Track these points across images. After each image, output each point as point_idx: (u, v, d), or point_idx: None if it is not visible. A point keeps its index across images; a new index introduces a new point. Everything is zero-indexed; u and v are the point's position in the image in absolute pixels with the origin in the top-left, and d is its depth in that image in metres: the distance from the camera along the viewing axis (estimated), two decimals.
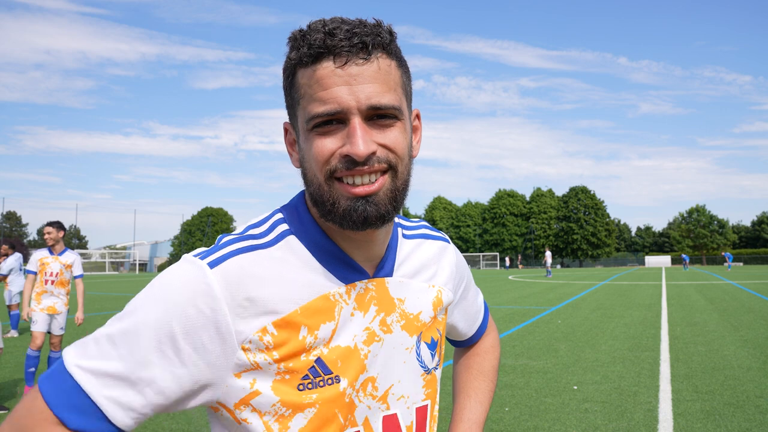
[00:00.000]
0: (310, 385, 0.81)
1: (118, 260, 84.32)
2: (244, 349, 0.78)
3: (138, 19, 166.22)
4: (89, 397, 0.74)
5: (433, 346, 0.97)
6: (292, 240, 0.86)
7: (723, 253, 68.03)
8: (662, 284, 25.50)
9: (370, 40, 0.78)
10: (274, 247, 0.84)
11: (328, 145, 0.79)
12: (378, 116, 0.80)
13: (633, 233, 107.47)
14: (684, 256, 57.85)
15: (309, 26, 0.81)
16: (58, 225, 6.35)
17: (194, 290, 0.76)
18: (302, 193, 0.92)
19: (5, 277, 10.54)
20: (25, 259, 10.78)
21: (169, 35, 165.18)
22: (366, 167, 0.78)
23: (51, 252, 6.34)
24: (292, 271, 0.83)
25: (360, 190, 0.79)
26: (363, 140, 0.77)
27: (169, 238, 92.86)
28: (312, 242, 0.86)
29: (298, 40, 0.81)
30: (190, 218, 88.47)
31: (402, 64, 0.85)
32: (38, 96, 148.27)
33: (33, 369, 6.10)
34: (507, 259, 73.71)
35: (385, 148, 0.80)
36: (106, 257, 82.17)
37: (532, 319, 12.10)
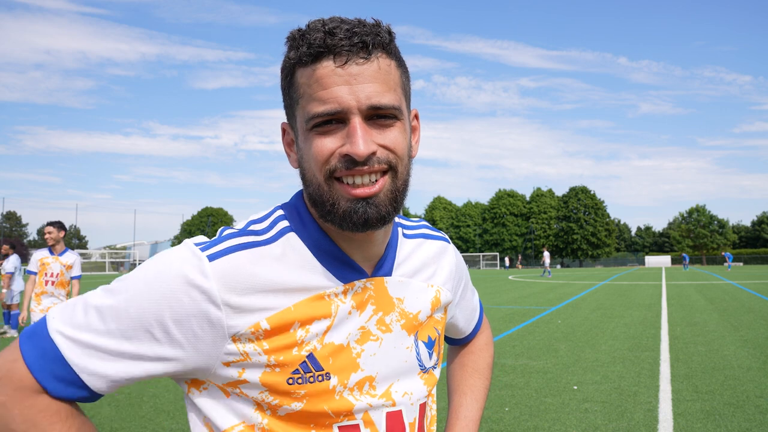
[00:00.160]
0: (299, 380, 0.81)
1: (118, 260, 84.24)
2: (234, 340, 0.79)
3: (138, 19, 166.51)
4: (71, 368, 0.74)
5: (430, 345, 0.97)
6: (293, 237, 0.86)
7: (723, 253, 67.99)
8: (662, 284, 25.49)
9: (370, 40, 0.78)
10: (274, 244, 0.84)
11: (328, 144, 0.79)
12: (378, 116, 0.79)
13: (633, 233, 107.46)
14: (684, 255, 57.81)
15: (308, 26, 0.81)
16: (58, 225, 6.32)
17: (191, 280, 0.76)
18: (300, 192, 0.92)
19: (11, 275, 10.55)
20: (25, 260, 10.78)
21: (169, 35, 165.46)
22: (366, 167, 0.78)
23: (51, 252, 6.31)
24: (290, 268, 0.83)
25: (360, 192, 0.79)
26: (363, 140, 0.77)
27: (169, 238, 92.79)
28: (312, 241, 0.86)
29: (297, 39, 0.80)
30: (190, 218, 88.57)
31: (401, 64, 0.85)
32: (38, 96, 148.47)
33: None
34: (507, 259, 73.73)
35: (385, 149, 0.80)
36: (106, 257, 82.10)
37: (532, 319, 12.09)
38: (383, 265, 0.91)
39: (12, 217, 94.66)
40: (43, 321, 0.77)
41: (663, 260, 79.38)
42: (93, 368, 0.75)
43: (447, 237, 1.10)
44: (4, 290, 10.88)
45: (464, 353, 1.24)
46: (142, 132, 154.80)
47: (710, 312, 13.05)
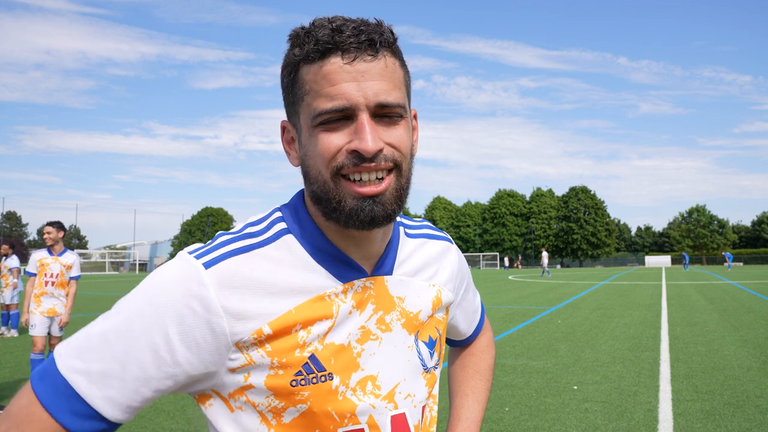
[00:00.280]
0: (303, 381, 0.81)
1: (118, 260, 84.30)
2: (238, 348, 0.78)
3: (138, 19, 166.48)
4: (86, 401, 0.74)
5: (431, 344, 0.97)
6: (290, 239, 0.85)
7: (723, 253, 67.99)
8: (662, 284, 25.48)
9: (377, 38, 0.79)
10: (271, 246, 0.84)
11: (335, 141, 0.78)
12: (384, 114, 0.80)
13: (633, 233, 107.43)
14: (684, 254, 57.77)
15: (313, 24, 0.81)
16: (58, 225, 6.27)
17: (189, 290, 0.76)
18: (300, 193, 0.92)
19: (18, 269, 10.56)
20: (25, 260, 10.81)
21: (169, 35, 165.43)
22: (373, 164, 0.78)
23: (50, 252, 6.24)
24: (288, 270, 0.83)
25: (367, 190, 0.79)
26: (372, 136, 0.77)
27: (169, 238, 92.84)
28: (309, 241, 0.86)
29: (301, 36, 0.80)
30: (190, 218, 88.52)
31: (404, 64, 0.86)
32: (38, 96, 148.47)
33: None
34: (506, 259, 73.74)
35: (391, 147, 0.80)
36: (106, 257, 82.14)
37: (532, 319, 12.09)
38: (384, 264, 0.91)
39: (12, 217, 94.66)
40: (51, 360, 0.77)
41: (663, 260, 79.37)
42: (107, 397, 0.74)
43: (450, 237, 1.10)
44: (15, 281, 10.85)
45: (465, 355, 1.23)
46: (142, 132, 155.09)
47: (710, 312, 13.04)
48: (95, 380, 0.74)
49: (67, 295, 6.34)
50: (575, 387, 6.02)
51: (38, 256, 6.26)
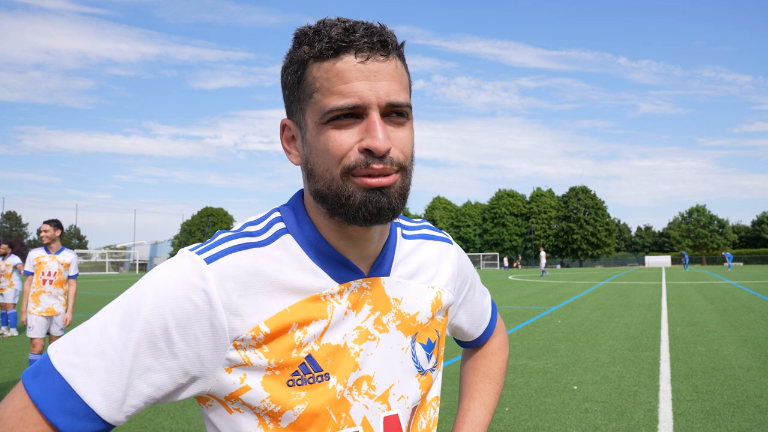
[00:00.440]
0: (299, 382, 0.81)
1: (118, 260, 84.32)
2: (236, 346, 0.78)
3: (138, 19, 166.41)
4: (81, 398, 0.72)
5: (429, 347, 0.96)
6: (288, 239, 0.86)
7: (723, 253, 68.06)
8: (662, 284, 25.49)
9: (389, 40, 0.80)
10: (270, 246, 0.84)
11: (346, 139, 0.78)
12: (393, 113, 0.81)
13: (633, 233, 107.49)
14: (684, 253, 57.76)
15: (321, 23, 0.81)
16: (55, 223, 6.23)
17: (191, 284, 0.76)
18: (299, 193, 0.92)
19: (22, 264, 10.57)
20: (24, 260, 10.84)
21: (169, 35, 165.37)
22: (381, 166, 0.78)
23: (48, 251, 6.21)
24: (286, 270, 0.83)
25: (375, 182, 0.79)
26: (383, 135, 0.77)
27: (169, 238, 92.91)
28: (307, 241, 0.86)
29: (310, 35, 0.80)
30: (190, 218, 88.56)
31: (407, 69, 0.87)
32: (38, 96, 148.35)
33: None
34: (506, 259, 73.78)
35: (397, 149, 0.81)
36: (106, 257, 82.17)
37: (532, 319, 12.09)
38: (381, 265, 0.91)
39: (12, 217, 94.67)
40: (45, 357, 0.75)
41: (663, 260, 79.41)
42: (104, 392, 0.73)
43: (449, 237, 1.09)
44: (20, 269, 10.87)
45: (477, 356, 1.22)
46: (142, 132, 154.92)
47: (710, 312, 13.05)
48: (92, 375, 0.73)
49: (66, 294, 6.32)
50: (575, 387, 6.02)
51: (35, 254, 6.23)
